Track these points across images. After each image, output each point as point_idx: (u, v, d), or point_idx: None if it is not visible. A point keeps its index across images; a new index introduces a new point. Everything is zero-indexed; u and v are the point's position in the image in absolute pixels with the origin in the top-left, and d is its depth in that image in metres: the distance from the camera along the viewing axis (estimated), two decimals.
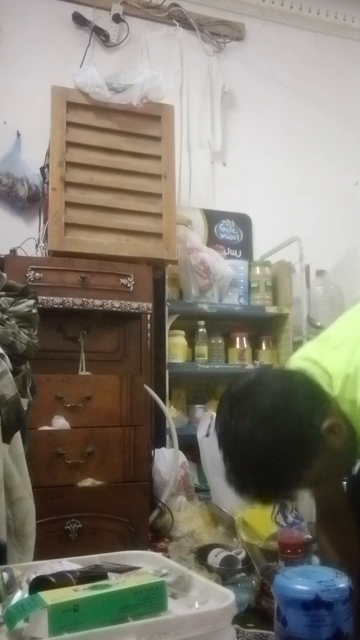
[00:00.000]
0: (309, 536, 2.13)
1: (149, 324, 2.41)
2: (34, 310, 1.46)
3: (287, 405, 1.09)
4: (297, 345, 2.73)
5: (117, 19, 3.09)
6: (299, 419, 1.08)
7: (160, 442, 2.46)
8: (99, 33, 3.07)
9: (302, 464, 1.08)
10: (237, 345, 2.87)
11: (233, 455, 1.11)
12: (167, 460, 2.34)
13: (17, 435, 1.28)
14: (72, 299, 2.21)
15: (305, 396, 1.12)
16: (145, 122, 2.55)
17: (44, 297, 2.12)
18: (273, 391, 1.12)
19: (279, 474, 1.08)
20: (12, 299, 1.43)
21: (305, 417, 1.08)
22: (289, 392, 1.12)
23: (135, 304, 2.30)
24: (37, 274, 2.19)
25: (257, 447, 1.06)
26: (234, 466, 1.10)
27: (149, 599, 0.78)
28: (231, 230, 3.14)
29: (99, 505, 1.95)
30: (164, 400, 2.44)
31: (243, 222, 3.17)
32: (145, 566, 0.97)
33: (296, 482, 1.13)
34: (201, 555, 1.99)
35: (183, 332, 2.72)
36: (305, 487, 1.29)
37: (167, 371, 2.57)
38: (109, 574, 0.87)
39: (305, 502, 2.52)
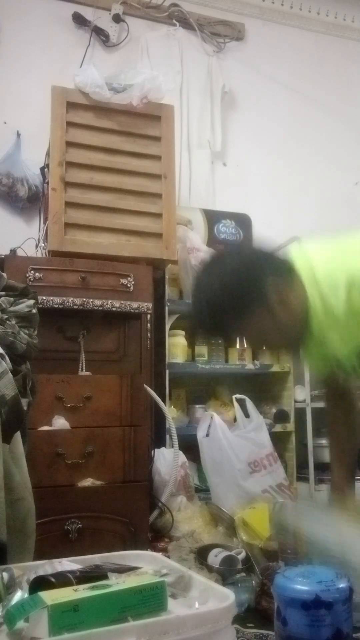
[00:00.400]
0: None
1: (149, 324, 2.41)
2: (34, 310, 1.46)
3: (250, 268, 1.31)
4: None
5: (117, 19, 3.09)
6: (254, 279, 1.28)
7: (160, 442, 2.46)
8: (99, 33, 3.07)
9: (242, 311, 1.29)
10: (237, 345, 2.87)
11: (197, 293, 1.35)
12: (167, 460, 2.34)
13: (17, 435, 1.28)
14: (72, 299, 2.21)
15: (270, 266, 1.31)
16: (145, 122, 2.55)
17: (44, 297, 2.12)
18: (245, 255, 1.41)
19: (227, 312, 1.29)
20: (12, 299, 1.43)
21: (259, 279, 1.28)
22: (257, 260, 1.33)
23: (135, 304, 2.30)
24: (37, 274, 2.19)
25: (213, 290, 1.29)
26: (197, 302, 1.34)
27: (149, 599, 0.78)
28: (231, 230, 3.14)
29: (99, 505, 1.95)
30: (164, 400, 2.44)
31: (243, 222, 3.17)
32: (145, 566, 0.97)
33: (239, 324, 1.32)
34: (201, 555, 1.99)
35: (183, 332, 2.72)
36: (251, 338, 1.47)
37: (167, 371, 2.57)
38: (109, 574, 0.87)
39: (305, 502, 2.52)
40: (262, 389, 2.94)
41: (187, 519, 2.23)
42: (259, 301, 1.28)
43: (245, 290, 1.28)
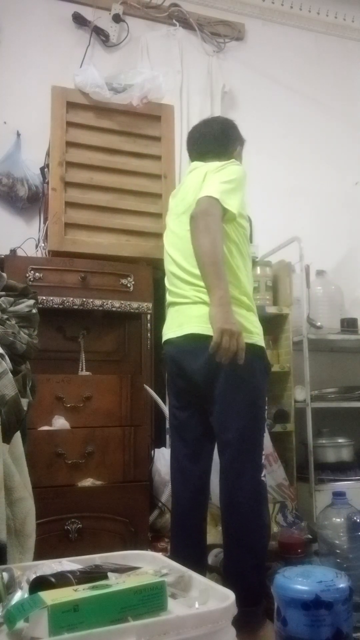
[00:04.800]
0: (309, 536, 2.14)
1: (149, 324, 2.41)
2: (34, 310, 1.46)
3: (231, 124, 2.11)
4: (297, 345, 2.73)
5: (117, 19, 3.09)
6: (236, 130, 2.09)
7: (160, 442, 2.46)
8: (99, 33, 3.07)
9: (226, 147, 2.02)
10: None
11: (196, 126, 2.11)
12: (167, 460, 2.34)
13: (17, 435, 1.28)
14: (72, 299, 2.21)
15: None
16: (145, 122, 2.55)
17: (44, 297, 2.12)
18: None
19: (218, 131, 2.04)
20: (12, 299, 1.44)
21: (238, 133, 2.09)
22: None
23: (135, 304, 2.30)
24: (37, 274, 2.19)
25: (209, 121, 2.13)
26: (195, 129, 2.09)
27: (149, 599, 0.78)
28: None
29: (99, 505, 1.95)
30: (164, 400, 2.44)
31: None
32: (145, 566, 0.97)
33: (221, 145, 2.02)
34: None
35: None
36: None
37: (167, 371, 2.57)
38: (109, 574, 0.87)
39: (305, 503, 2.53)
40: None
41: None
42: (237, 140, 2.07)
43: (232, 127, 2.07)
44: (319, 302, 2.93)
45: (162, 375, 2.56)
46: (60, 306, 2.19)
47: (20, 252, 2.46)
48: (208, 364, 1.66)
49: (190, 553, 1.74)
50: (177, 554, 1.71)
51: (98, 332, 2.33)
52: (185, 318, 1.79)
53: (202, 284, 1.70)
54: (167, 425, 2.42)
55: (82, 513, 1.92)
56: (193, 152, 2.06)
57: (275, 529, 2.18)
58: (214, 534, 2.14)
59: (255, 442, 1.71)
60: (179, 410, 1.87)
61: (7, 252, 2.38)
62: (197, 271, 1.71)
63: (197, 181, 1.86)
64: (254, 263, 3.01)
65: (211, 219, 1.67)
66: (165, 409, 2.42)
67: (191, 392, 1.81)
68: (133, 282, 2.31)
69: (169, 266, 1.94)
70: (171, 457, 1.91)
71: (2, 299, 1.42)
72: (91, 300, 2.23)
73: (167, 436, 2.45)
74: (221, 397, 1.70)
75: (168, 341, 1.86)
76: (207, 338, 1.60)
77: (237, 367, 1.60)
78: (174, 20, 3.22)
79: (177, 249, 1.90)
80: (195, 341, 1.73)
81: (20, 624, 0.76)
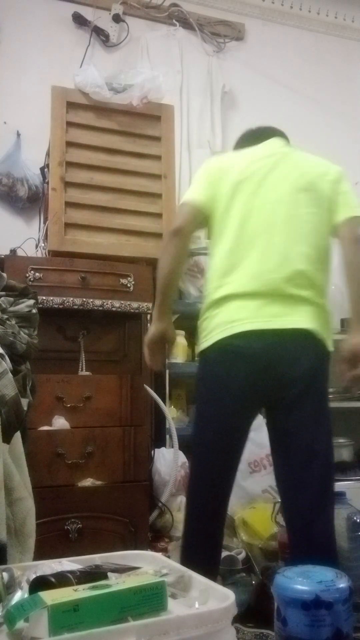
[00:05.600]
0: None
1: (149, 324, 2.41)
2: (34, 310, 1.46)
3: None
4: None
5: (117, 19, 3.09)
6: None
7: (160, 442, 2.46)
8: (99, 33, 3.07)
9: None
10: None
11: None
12: (167, 460, 2.34)
13: (17, 435, 1.28)
14: (72, 299, 2.21)
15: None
16: (145, 122, 2.55)
17: (44, 297, 2.12)
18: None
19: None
20: (12, 299, 1.44)
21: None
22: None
23: (135, 304, 2.30)
24: (37, 274, 2.19)
25: None
26: None
27: (149, 599, 0.78)
28: None
29: (99, 505, 1.95)
30: (164, 400, 2.44)
31: None
32: (145, 566, 0.97)
33: None
34: None
35: (183, 332, 2.72)
36: None
37: (167, 371, 2.57)
38: (109, 574, 0.87)
39: None
40: None
41: None
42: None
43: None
44: None
45: (162, 375, 2.57)
46: (60, 306, 2.19)
47: (20, 252, 2.46)
48: (311, 367, 1.55)
49: (210, 569, 1.50)
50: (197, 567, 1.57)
51: (98, 332, 2.33)
52: (289, 309, 1.57)
53: (319, 282, 1.62)
54: (167, 425, 2.43)
55: (82, 513, 1.93)
56: (264, 133, 1.86)
57: (275, 529, 2.17)
58: None
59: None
60: (235, 415, 1.59)
61: (7, 252, 2.38)
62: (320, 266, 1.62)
63: (320, 167, 1.75)
64: None
65: None
66: (166, 409, 2.42)
67: (267, 394, 1.58)
68: (133, 282, 2.31)
69: (255, 240, 1.61)
70: (200, 465, 1.65)
71: (2, 299, 1.42)
72: (91, 300, 2.23)
73: (167, 436, 2.45)
74: (313, 404, 1.57)
75: (250, 333, 1.54)
76: (318, 340, 1.55)
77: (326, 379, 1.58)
78: (174, 20, 3.22)
79: (282, 229, 1.61)
80: (303, 339, 1.55)
81: (20, 624, 0.76)
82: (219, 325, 1.57)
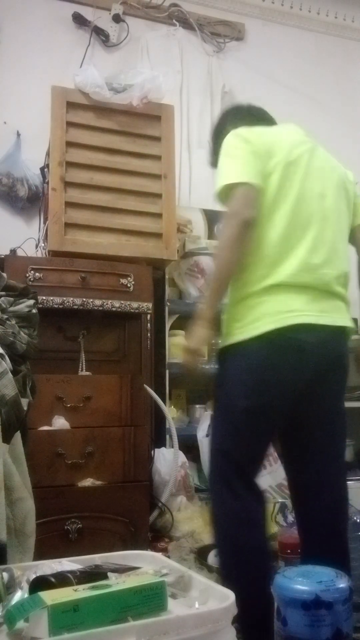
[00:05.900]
0: None
1: (149, 324, 2.41)
2: (34, 310, 1.46)
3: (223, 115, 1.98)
4: None
5: (117, 19, 3.09)
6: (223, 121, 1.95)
7: (160, 442, 2.46)
8: (99, 33, 3.07)
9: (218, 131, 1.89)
10: None
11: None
12: (167, 460, 2.34)
13: (17, 435, 1.28)
14: (72, 299, 2.21)
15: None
16: (145, 122, 2.55)
17: (44, 297, 2.12)
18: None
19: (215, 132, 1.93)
20: (12, 299, 1.43)
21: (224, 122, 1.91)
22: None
23: (135, 304, 2.30)
24: (37, 274, 2.19)
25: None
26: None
27: (149, 599, 0.78)
28: None
29: (99, 505, 1.95)
30: (164, 400, 2.44)
31: None
32: (145, 566, 0.97)
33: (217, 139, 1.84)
34: (201, 555, 1.99)
35: (183, 332, 2.71)
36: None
37: (167, 371, 2.57)
38: (109, 574, 0.87)
39: None
40: None
41: (187, 519, 2.24)
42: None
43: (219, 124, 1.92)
44: None
45: (162, 375, 2.57)
46: (60, 306, 2.19)
47: (20, 252, 2.46)
48: (347, 365, 1.59)
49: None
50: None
51: (98, 332, 2.33)
52: (333, 306, 1.54)
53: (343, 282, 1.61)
54: (167, 425, 2.43)
55: (82, 513, 1.92)
56: (267, 115, 1.90)
57: (275, 528, 2.17)
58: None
59: None
60: (285, 406, 1.52)
61: (7, 252, 2.38)
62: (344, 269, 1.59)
63: (340, 167, 1.72)
64: None
65: None
66: (166, 409, 2.42)
67: (308, 388, 1.51)
68: (133, 282, 2.31)
69: (307, 229, 1.53)
70: (233, 497, 1.46)
71: (2, 299, 1.41)
72: (91, 300, 2.23)
73: (167, 436, 2.45)
74: (342, 402, 1.59)
75: (305, 326, 1.47)
76: (349, 339, 1.57)
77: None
78: (174, 20, 3.22)
79: (331, 222, 1.58)
80: (345, 336, 1.55)
81: (20, 624, 0.76)
82: (266, 315, 1.47)
